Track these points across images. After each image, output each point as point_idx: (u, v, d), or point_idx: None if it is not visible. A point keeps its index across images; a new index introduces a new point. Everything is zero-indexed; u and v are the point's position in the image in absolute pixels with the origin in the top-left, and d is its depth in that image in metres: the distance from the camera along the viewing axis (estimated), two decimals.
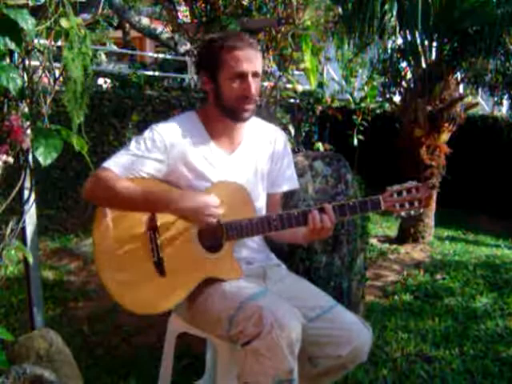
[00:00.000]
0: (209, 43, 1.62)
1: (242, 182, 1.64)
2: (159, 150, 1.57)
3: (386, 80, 4.78)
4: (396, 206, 1.54)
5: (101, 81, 5.84)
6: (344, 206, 1.53)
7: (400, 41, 4.39)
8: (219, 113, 1.63)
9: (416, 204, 1.54)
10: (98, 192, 1.54)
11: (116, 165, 1.54)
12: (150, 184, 1.57)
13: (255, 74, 1.58)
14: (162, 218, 1.55)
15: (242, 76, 1.56)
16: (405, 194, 1.54)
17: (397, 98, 4.73)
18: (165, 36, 6.85)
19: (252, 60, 1.57)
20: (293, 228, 1.56)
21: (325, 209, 1.53)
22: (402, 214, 1.56)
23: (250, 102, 1.59)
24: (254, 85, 1.57)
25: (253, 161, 1.70)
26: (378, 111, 5.76)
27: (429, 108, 4.11)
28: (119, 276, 1.55)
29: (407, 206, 1.54)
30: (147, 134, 1.59)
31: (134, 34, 9.59)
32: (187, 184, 1.61)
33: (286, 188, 1.80)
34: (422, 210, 1.56)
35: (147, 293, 1.54)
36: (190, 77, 6.35)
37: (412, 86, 4.37)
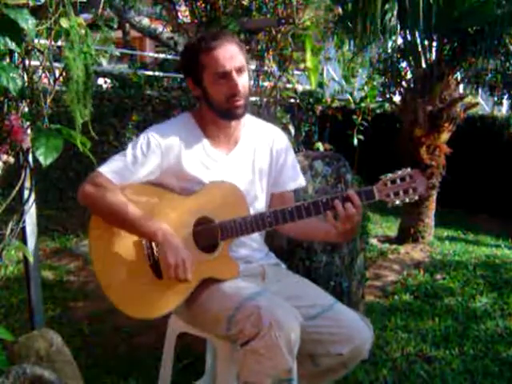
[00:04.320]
0: (187, 49, 1.61)
1: (239, 182, 1.63)
2: (154, 154, 1.56)
3: (386, 80, 4.78)
4: (391, 196, 1.49)
5: (101, 81, 5.83)
6: (337, 198, 1.51)
7: (400, 41, 4.39)
8: (213, 114, 1.62)
9: (411, 192, 1.49)
10: (91, 199, 1.53)
11: (111, 170, 1.53)
12: (143, 192, 1.56)
13: (239, 70, 1.55)
14: None
15: (226, 75, 1.54)
16: (399, 182, 1.49)
17: (397, 98, 4.73)
18: (165, 36, 6.84)
19: (232, 56, 1.54)
20: (287, 223, 1.54)
21: (320, 203, 1.51)
22: (397, 202, 1.51)
23: (240, 98, 1.56)
24: (241, 80, 1.55)
25: (250, 160, 1.70)
26: (378, 111, 5.76)
27: (429, 108, 4.11)
28: (117, 280, 1.54)
29: (402, 194, 1.49)
30: (142, 138, 1.59)
31: (134, 33, 9.58)
32: (181, 186, 1.61)
33: (292, 186, 1.78)
34: (417, 197, 1.51)
35: (146, 296, 1.54)
36: None
37: (412, 86, 4.37)
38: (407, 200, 1.51)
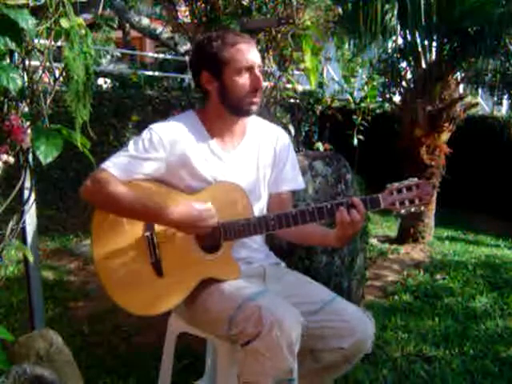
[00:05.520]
0: (207, 42, 1.59)
1: (244, 180, 1.63)
2: (157, 151, 1.56)
3: (386, 80, 4.78)
4: (396, 204, 1.50)
5: (101, 81, 5.84)
6: (342, 204, 1.52)
7: (400, 41, 4.39)
8: (223, 110, 1.62)
9: (416, 202, 1.50)
10: (95, 194, 1.53)
11: (114, 166, 1.53)
12: (147, 188, 1.56)
13: (259, 67, 1.60)
14: None
15: (250, 69, 1.56)
16: (405, 191, 1.51)
17: (397, 98, 4.73)
18: (165, 36, 6.85)
19: (255, 53, 1.58)
20: (290, 227, 1.55)
21: (325, 209, 1.52)
22: (402, 211, 1.52)
23: (259, 94, 1.60)
24: (260, 77, 1.59)
25: (254, 159, 1.70)
26: (377, 111, 5.76)
27: (429, 108, 4.11)
28: (118, 277, 1.54)
29: (407, 203, 1.51)
30: (145, 134, 1.58)
31: (134, 34, 9.59)
32: (185, 184, 1.60)
33: (289, 187, 1.78)
34: (422, 208, 1.53)
35: (146, 294, 1.54)
36: (190, 77, 6.34)
37: (412, 86, 4.37)
38: (412, 210, 1.52)
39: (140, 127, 4.51)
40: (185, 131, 1.61)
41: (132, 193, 1.51)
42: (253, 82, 1.57)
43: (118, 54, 8.86)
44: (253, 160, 1.70)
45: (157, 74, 6.74)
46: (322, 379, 1.64)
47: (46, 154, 1.52)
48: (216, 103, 1.62)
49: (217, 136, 1.65)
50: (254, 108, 1.61)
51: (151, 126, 1.61)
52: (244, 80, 1.56)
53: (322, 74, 5.63)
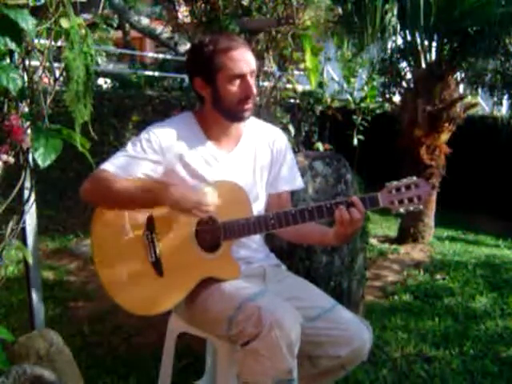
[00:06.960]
0: (200, 47, 1.58)
1: (240, 181, 1.63)
2: (155, 151, 1.57)
3: (386, 80, 4.78)
4: (395, 203, 1.50)
5: (101, 81, 5.84)
6: (341, 203, 1.52)
7: (400, 41, 4.40)
8: (217, 115, 1.62)
9: (415, 200, 1.50)
10: (96, 192, 1.54)
11: (113, 166, 1.54)
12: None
13: (252, 73, 1.58)
14: (159, 219, 1.55)
15: (242, 77, 1.55)
16: (403, 190, 1.50)
17: (397, 98, 4.73)
18: (165, 36, 6.84)
19: (248, 59, 1.57)
20: (290, 226, 1.54)
21: (324, 208, 1.52)
22: (401, 210, 1.51)
23: (251, 101, 1.59)
24: (253, 83, 1.58)
25: (251, 160, 1.70)
26: (378, 111, 5.75)
27: (429, 108, 4.11)
28: (118, 277, 1.55)
29: (406, 202, 1.50)
30: (143, 135, 1.59)
31: (134, 34, 9.58)
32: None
33: (288, 188, 1.79)
34: (421, 207, 1.52)
35: (146, 294, 1.55)
36: None
37: (412, 86, 4.37)
38: (411, 209, 1.51)
39: (140, 127, 4.51)
40: (182, 132, 1.61)
41: (131, 182, 1.52)
42: (244, 90, 1.56)
43: (116, 52, 8.84)
44: (250, 161, 1.70)
45: (157, 74, 6.74)
46: (319, 383, 1.64)
47: (45, 157, 1.52)
48: (210, 108, 1.63)
49: (214, 138, 1.66)
50: (247, 114, 1.61)
51: (149, 127, 1.61)
52: (235, 88, 1.55)
53: (322, 74, 5.62)
